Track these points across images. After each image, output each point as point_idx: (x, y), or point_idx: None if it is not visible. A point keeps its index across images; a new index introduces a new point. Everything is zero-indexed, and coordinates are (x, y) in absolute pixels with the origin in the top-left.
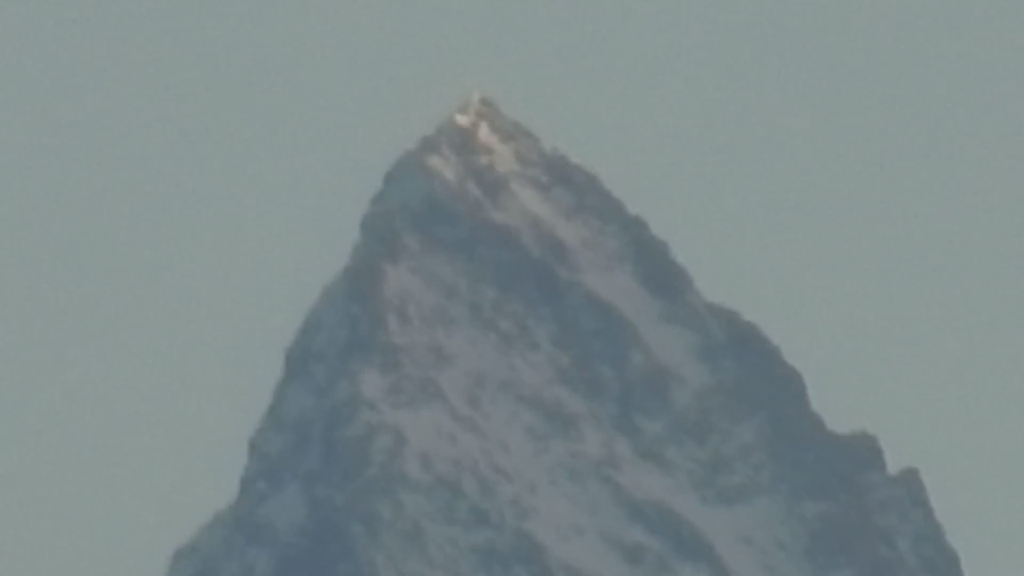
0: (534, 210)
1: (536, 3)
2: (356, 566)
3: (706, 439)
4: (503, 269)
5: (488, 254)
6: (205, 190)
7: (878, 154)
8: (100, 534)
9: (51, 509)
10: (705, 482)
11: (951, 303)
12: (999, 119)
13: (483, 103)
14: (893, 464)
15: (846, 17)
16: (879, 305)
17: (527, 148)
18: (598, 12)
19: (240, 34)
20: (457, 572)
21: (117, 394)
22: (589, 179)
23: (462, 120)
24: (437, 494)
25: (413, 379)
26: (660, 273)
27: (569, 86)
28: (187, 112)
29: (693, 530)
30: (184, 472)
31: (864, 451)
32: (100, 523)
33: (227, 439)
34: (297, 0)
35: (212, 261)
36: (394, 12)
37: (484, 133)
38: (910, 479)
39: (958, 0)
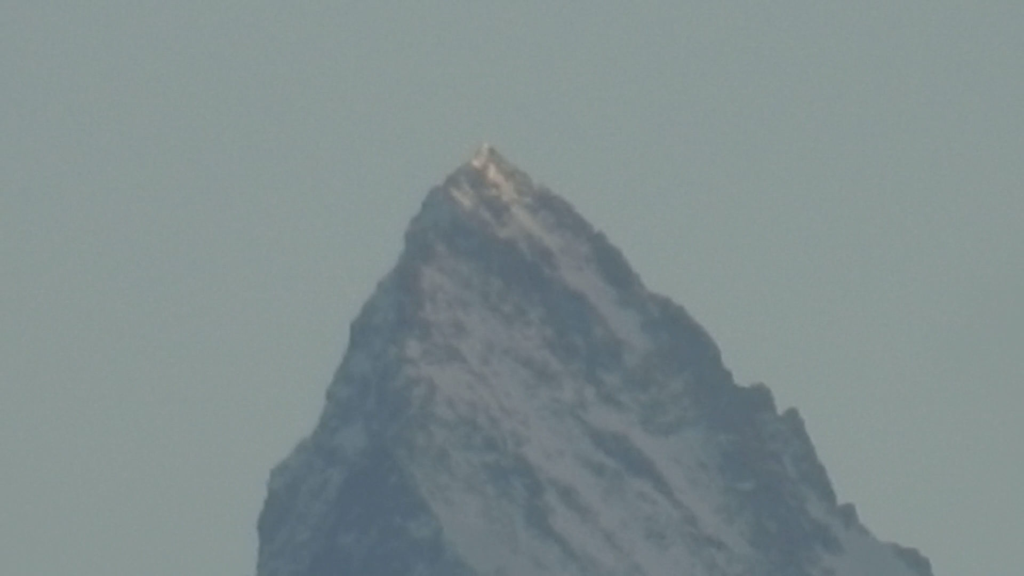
0: (527, 227)
1: (523, 81)
2: (401, 479)
3: (648, 388)
4: (506, 268)
5: (495, 258)
6: (303, 215)
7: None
8: (219, 456)
9: (181, 432)
10: (648, 419)
11: (821, 296)
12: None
13: (490, 151)
14: (780, 406)
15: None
16: (772, 296)
17: (522, 183)
18: (570, 87)
19: (319, 94)
20: (472, 484)
21: (236, 353)
22: (565, 205)
23: (476, 163)
24: (459, 428)
25: (441, 345)
26: (615, 271)
27: (550, 141)
28: (285, 153)
29: (640, 454)
30: (280, 412)
31: (759, 397)
32: (219, 447)
33: (311, 389)
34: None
35: (304, 263)
36: (429, 86)
37: (492, 172)
38: (792, 417)
39: None
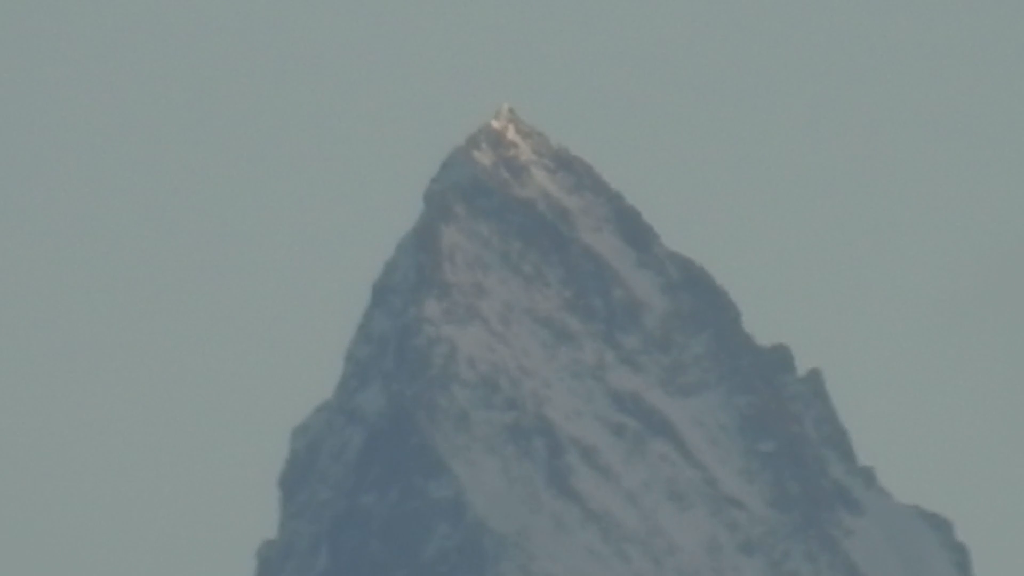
0: (546, 187)
1: (544, 41)
2: (421, 440)
3: (668, 350)
4: (525, 229)
5: (514, 219)
6: (323, 177)
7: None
8: (240, 417)
9: (203, 395)
10: (668, 380)
11: (843, 257)
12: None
13: (510, 112)
14: (801, 368)
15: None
16: (794, 258)
17: (540, 144)
18: (589, 51)
19: (341, 74)
20: (492, 444)
21: (258, 314)
22: (584, 166)
23: (495, 124)
24: (479, 388)
25: (461, 305)
26: (634, 231)
27: (569, 101)
28: (304, 116)
29: (660, 414)
30: (301, 371)
31: (780, 359)
32: (241, 409)
33: (330, 350)
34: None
35: (325, 225)
36: (448, 47)
37: (511, 133)
38: (813, 378)
39: None
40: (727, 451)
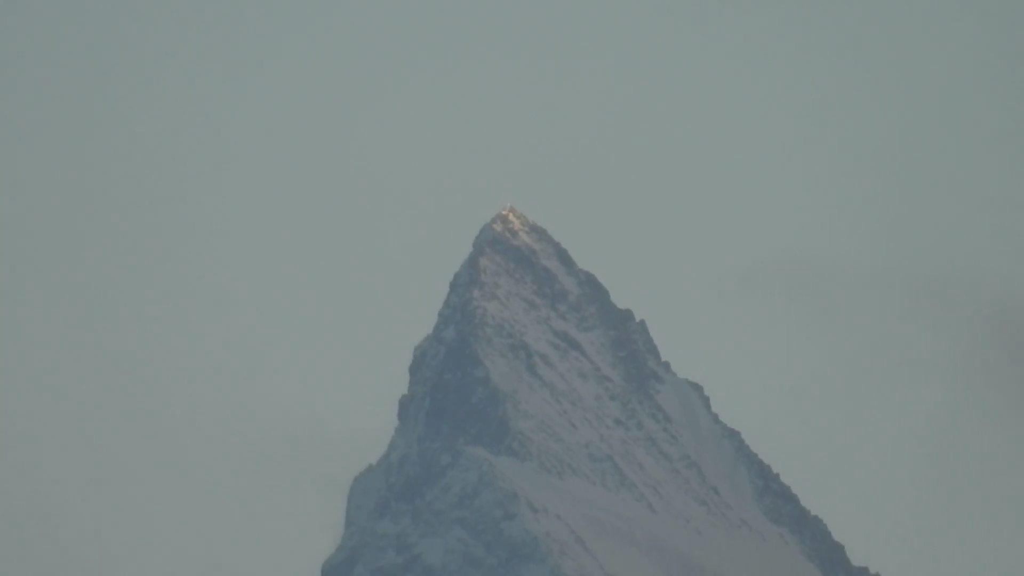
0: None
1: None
2: (470, 346)
3: (580, 311)
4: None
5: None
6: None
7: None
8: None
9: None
10: (578, 325)
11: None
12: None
13: (514, 212)
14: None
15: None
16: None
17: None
18: (565, 159)
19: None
20: (502, 354)
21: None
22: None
23: (506, 212)
24: (499, 329)
25: (491, 295)
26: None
27: (548, 202)
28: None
29: (575, 340)
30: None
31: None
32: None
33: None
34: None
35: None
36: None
37: (515, 218)
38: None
39: None
40: (603, 352)
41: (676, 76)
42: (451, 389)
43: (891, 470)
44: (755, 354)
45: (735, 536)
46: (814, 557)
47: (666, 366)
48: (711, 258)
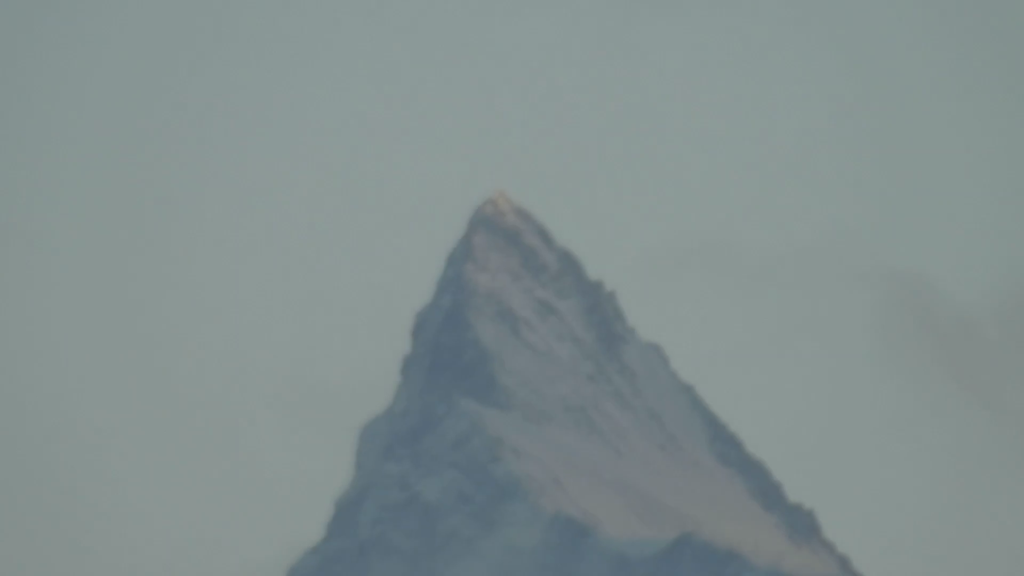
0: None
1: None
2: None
3: (561, 291)
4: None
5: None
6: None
7: None
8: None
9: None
10: (557, 294)
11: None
12: None
13: (503, 197)
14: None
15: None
16: None
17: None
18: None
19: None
20: (495, 319)
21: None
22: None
23: (495, 197)
24: (494, 305)
25: (488, 270)
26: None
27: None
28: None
29: (554, 308)
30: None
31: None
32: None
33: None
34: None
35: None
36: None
37: (504, 202)
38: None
39: None
40: (578, 318)
41: (638, 67)
42: (446, 350)
43: (820, 420)
44: (706, 320)
45: (689, 476)
46: (757, 495)
47: (631, 330)
48: (670, 237)
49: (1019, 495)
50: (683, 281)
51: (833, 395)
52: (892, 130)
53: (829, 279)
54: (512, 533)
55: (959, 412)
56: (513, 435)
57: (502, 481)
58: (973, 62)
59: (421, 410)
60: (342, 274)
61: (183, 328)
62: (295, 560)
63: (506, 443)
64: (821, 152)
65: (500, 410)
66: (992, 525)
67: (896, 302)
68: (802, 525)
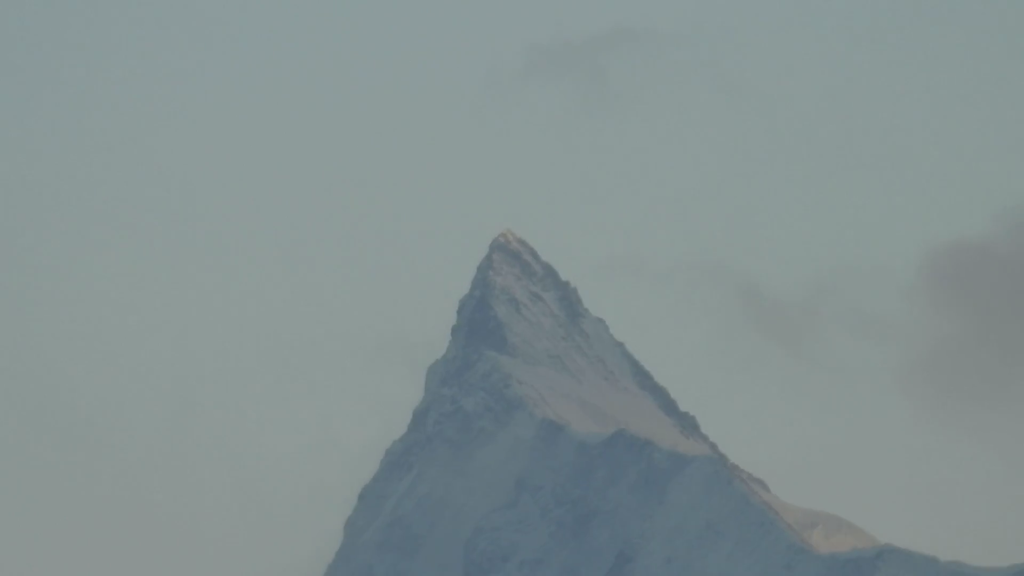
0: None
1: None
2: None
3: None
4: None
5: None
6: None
7: None
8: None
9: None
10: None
11: None
12: None
13: (510, 232)
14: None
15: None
16: None
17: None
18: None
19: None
20: (507, 302)
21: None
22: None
23: (504, 231)
24: (505, 292)
25: (504, 271)
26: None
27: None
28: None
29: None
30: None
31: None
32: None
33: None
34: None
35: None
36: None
37: (513, 238)
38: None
39: None
40: (554, 302)
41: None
42: (478, 321)
43: (699, 361)
44: (630, 304)
45: (621, 396)
46: (661, 407)
47: (586, 310)
48: (606, 256)
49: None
50: (613, 282)
51: (702, 350)
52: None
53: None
54: (517, 430)
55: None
56: (517, 372)
57: (511, 399)
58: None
59: (463, 357)
60: (419, 276)
61: (289, 296)
62: (389, 444)
63: (513, 377)
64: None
65: (510, 357)
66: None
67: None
68: (688, 425)
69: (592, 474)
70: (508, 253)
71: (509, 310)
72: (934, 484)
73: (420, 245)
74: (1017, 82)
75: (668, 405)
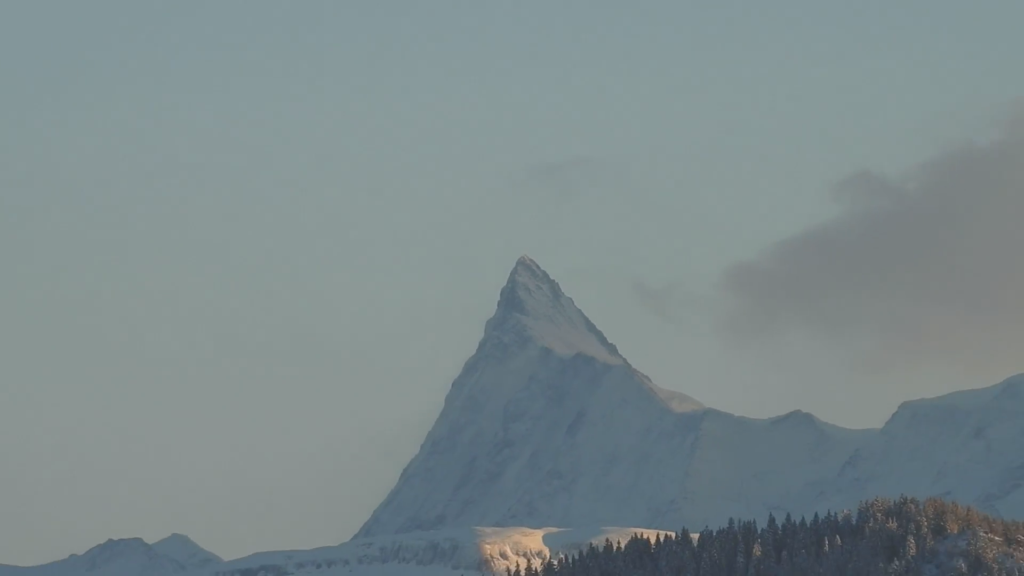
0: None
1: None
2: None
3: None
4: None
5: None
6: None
7: None
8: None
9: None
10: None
11: None
12: None
13: (523, 260)
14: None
15: None
16: None
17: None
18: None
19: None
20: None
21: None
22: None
23: (524, 255)
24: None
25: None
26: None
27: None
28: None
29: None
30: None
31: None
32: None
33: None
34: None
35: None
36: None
37: (528, 258)
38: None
39: None
40: (548, 296)
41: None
42: (512, 303)
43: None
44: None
45: (581, 336)
46: (598, 340)
47: (569, 299)
48: (581, 271)
49: None
50: (584, 286)
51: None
52: None
53: None
54: (532, 353)
55: None
56: (531, 325)
57: (530, 337)
58: None
59: (502, 323)
60: (470, 287)
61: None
62: (448, 390)
63: (531, 328)
64: None
65: (528, 317)
66: None
67: None
68: (612, 349)
69: (563, 374)
70: (526, 269)
71: (528, 298)
72: None
73: (467, 267)
74: None
75: (602, 339)
